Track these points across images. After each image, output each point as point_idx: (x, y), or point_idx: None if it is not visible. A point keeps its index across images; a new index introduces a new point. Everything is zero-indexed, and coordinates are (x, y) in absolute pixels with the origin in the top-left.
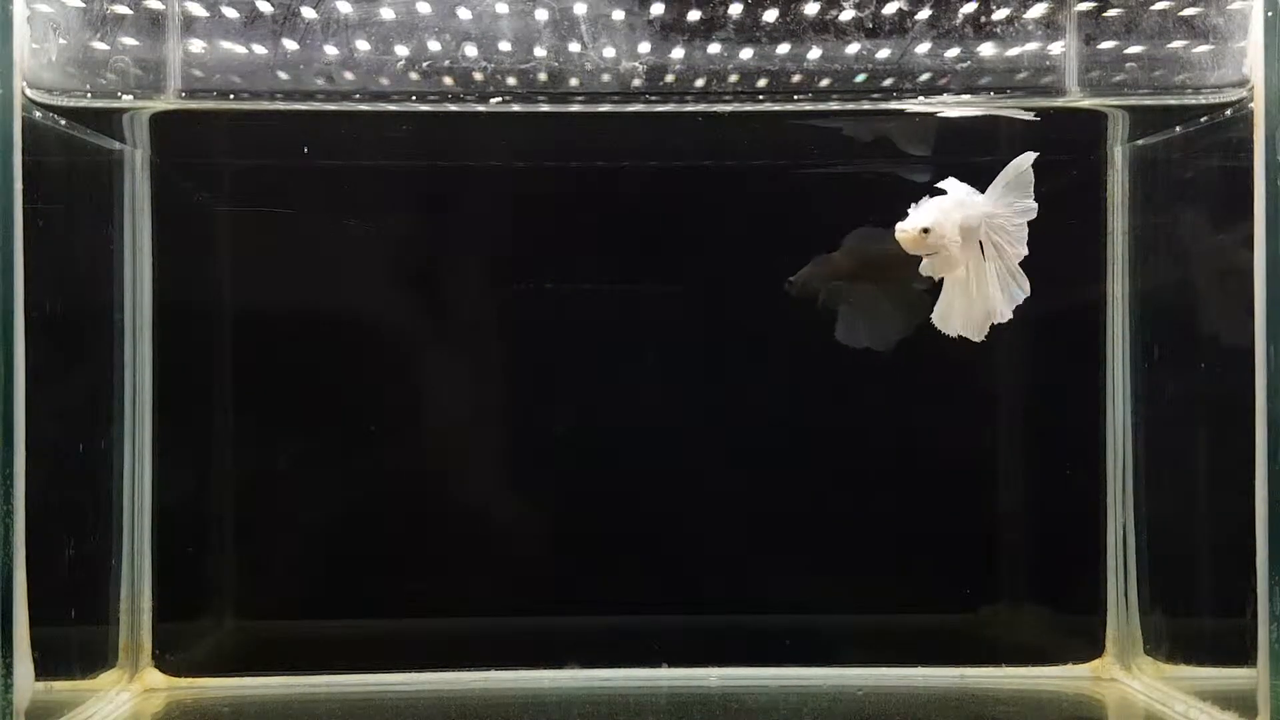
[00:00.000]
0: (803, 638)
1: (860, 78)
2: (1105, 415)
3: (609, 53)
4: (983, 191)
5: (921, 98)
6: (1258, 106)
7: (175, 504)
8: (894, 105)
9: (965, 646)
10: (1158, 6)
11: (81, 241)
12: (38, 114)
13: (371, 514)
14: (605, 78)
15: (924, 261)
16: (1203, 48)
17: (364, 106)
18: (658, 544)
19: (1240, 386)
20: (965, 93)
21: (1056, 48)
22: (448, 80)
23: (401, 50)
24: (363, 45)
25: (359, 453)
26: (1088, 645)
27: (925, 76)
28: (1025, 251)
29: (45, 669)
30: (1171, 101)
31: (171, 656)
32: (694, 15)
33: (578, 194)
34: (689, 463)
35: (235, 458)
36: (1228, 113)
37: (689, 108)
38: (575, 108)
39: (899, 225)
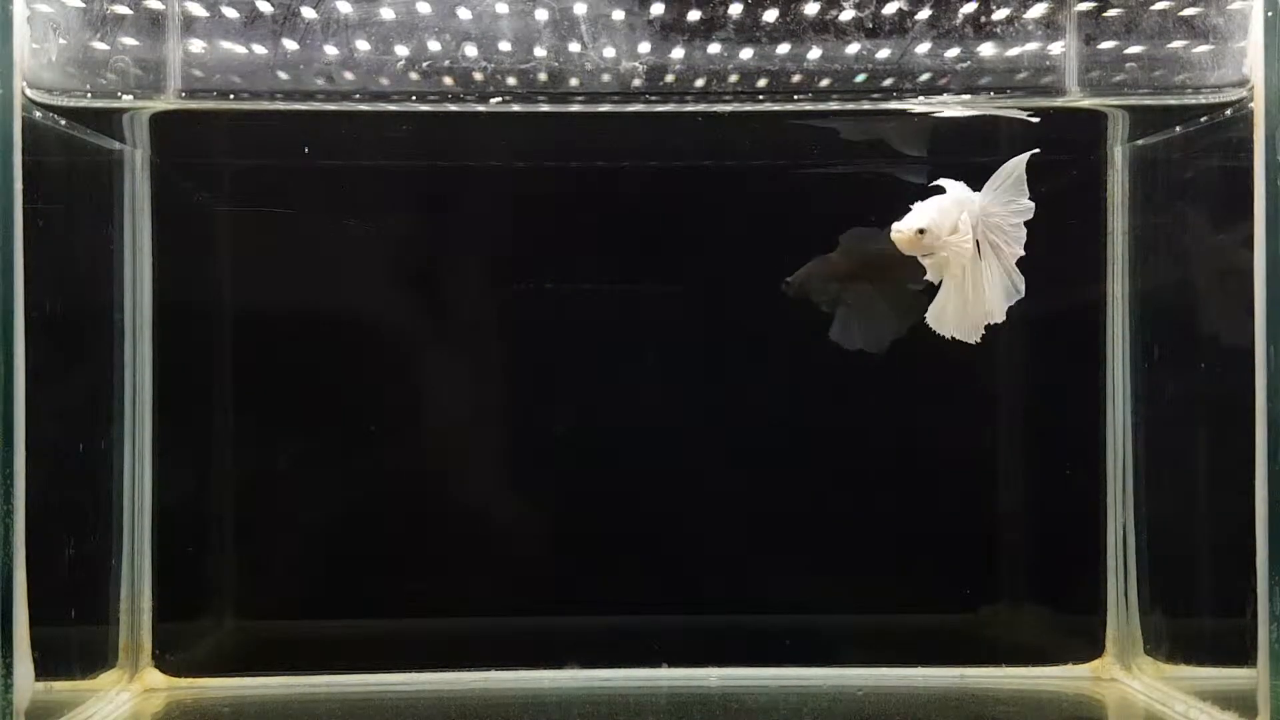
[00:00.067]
0: (803, 638)
1: (860, 78)
2: (1105, 415)
3: (609, 53)
4: (979, 192)
5: (921, 98)
6: (1258, 106)
7: (175, 504)
8: (894, 105)
9: (965, 646)
10: (1158, 6)
11: (81, 241)
12: (38, 114)
13: (371, 514)
14: (605, 78)
15: (928, 264)
16: (1203, 48)
17: (364, 106)
18: (657, 544)
19: (1240, 386)
20: (965, 93)
21: (1056, 48)
22: (448, 80)
23: (401, 50)
24: (363, 45)
25: (359, 453)
26: (1088, 645)
27: (925, 76)
28: (1022, 252)
29: (45, 669)
30: (1171, 101)
31: (171, 656)
32: (694, 15)
33: (578, 194)
34: (689, 463)
35: (235, 458)
36: (1228, 113)
37: (689, 108)
38: (575, 108)
39: (894, 226)
